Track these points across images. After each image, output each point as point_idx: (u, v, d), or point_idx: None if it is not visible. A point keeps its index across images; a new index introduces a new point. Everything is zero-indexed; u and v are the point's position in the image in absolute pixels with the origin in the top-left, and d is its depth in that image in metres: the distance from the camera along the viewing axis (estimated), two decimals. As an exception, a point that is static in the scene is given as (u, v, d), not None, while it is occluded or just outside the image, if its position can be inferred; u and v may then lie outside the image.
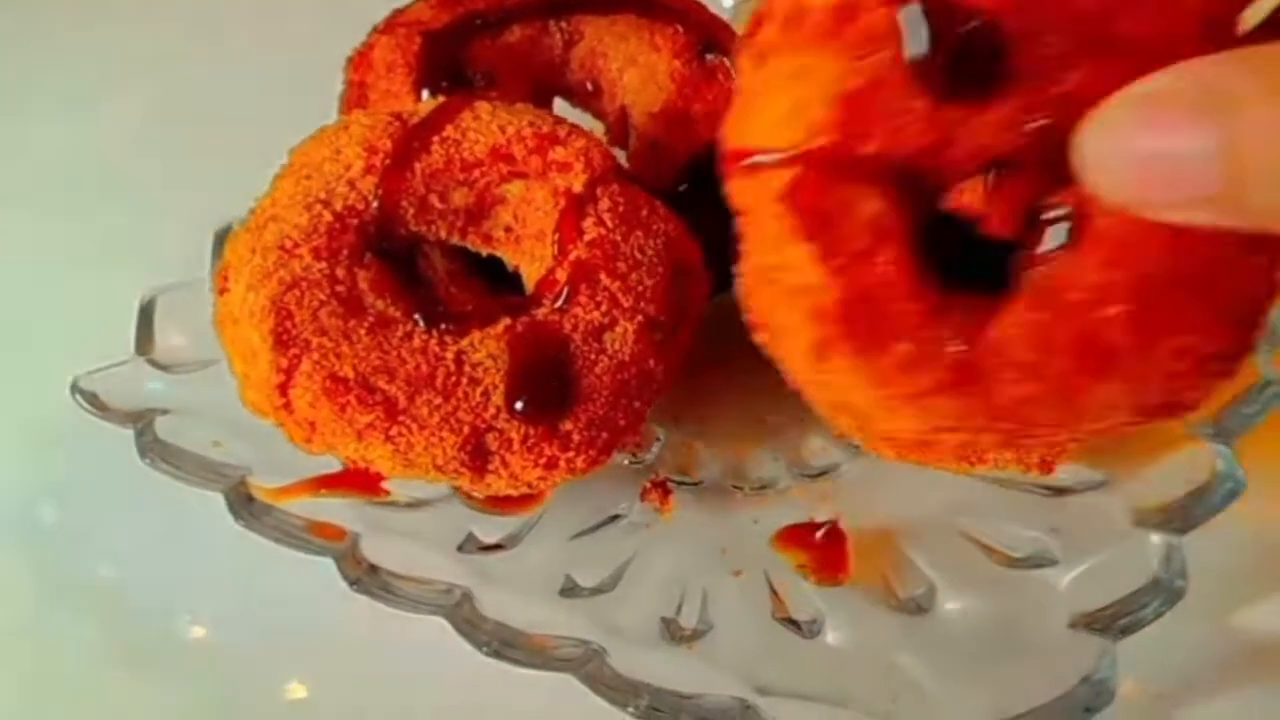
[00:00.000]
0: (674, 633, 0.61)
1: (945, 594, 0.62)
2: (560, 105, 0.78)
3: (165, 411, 0.66)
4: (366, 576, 0.59)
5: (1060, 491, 0.64)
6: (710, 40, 0.75)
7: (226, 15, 1.10)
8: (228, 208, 0.72)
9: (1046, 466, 0.60)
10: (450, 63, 0.72)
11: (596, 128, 0.80)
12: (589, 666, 0.56)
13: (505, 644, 0.57)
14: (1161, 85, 0.38)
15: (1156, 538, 0.58)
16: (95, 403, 0.66)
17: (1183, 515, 0.58)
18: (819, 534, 0.65)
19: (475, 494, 0.64)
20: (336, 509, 0.63)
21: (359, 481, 0.63)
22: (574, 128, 0.64)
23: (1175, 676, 0.62)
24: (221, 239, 0.74)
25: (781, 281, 0.51)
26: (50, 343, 0.83)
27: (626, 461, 0.70)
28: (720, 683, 0.58)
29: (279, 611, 0.69)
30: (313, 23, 0.93)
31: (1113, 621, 0.55)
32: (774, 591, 0.63)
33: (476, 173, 0.61)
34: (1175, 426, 0.62)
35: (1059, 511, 0.64)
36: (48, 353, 0.79)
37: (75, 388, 0.66)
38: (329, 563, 0.60)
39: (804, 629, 0.61)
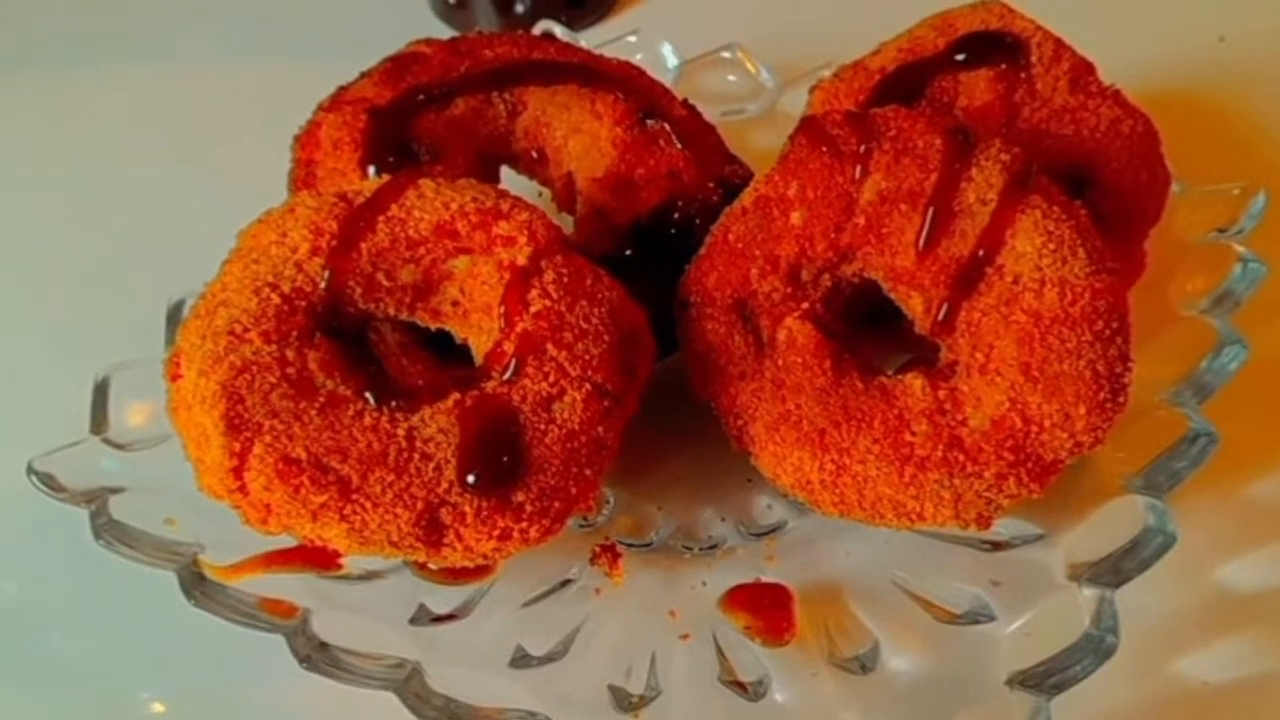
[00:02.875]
0: (622, 700, 0.62)
1: (888, 651, 0.63)
2: (508, 174, 0.80)
3: (120, 490, 0.66)
4: (316, 653, 0.60)
5: (999, 546, 0.66)
6: (651, 106, 0.77)
7: (179, 97, 1.12)
8: (182, 283, 0.73)
9: (984, 521, 0.61)
10: (396, 138, 0.74)
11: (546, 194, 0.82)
12: (536, 738, 0.57)
13: (453, 717, 0.58)
14: None
15: (1089, 592, 0.59)
16: (51, 484, 0.66)
17: (1114, 569, 0.60)
18: (766, 599, 0.67)
19: (430, 566, 0.65)
20: (288, 584, 0.64)
21: (312, 556, 0.64)
22: (517, 201, 0.65)
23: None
24: (174, 314, 0.75)
25: None
26: (7, 422, 0.83)
27: (577, 525, 0.71)
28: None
29: (238, 686, 0.69)
30: (262, 101, 0.94)
31: (1045, 679, 0.56)
32: (721, 653, 0.64)
33: (422, 250, 0.63)
34: (1110, 480, 0.64)
35: (999, 566, 0.65)
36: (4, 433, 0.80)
37: (31, 469, 0.66)
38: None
39: (750, 690, 0.62)
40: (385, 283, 0.62)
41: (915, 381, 0.61)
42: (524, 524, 0.59)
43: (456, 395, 0.60)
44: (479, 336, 0.64)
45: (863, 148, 0.65)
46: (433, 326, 0.65)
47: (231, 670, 0.69)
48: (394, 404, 0.59)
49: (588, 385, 0.61)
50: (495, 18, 1.12)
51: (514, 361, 0.60)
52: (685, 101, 0.81)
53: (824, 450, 0.62)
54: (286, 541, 0.62)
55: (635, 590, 0.69)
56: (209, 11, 1.21)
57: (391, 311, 0.63)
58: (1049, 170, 0.65)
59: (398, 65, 0.78)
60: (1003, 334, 0.60)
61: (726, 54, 0.97)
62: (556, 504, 0.60)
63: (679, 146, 0.75)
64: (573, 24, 1.03)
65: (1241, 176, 0.78)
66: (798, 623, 0.65)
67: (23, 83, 1.14)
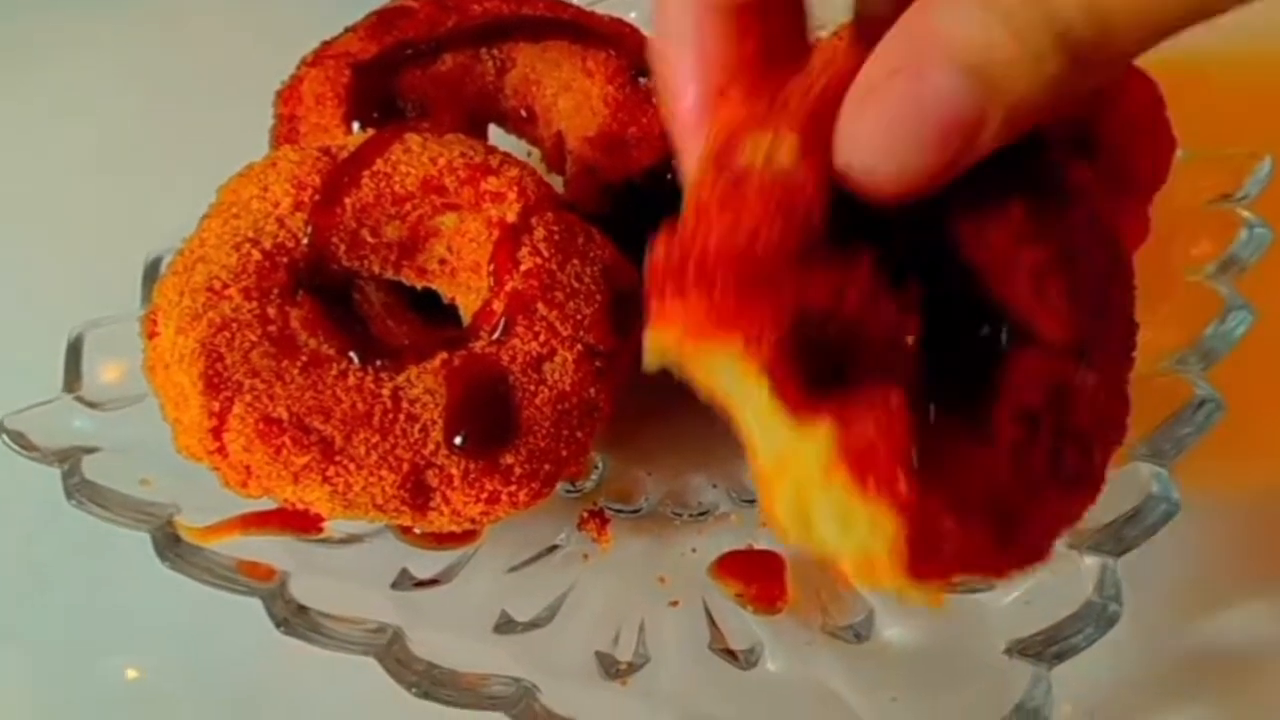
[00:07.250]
0: (609, 667, 0.60)
1: (884, 620, 0.61)
2: (496, 133, 0.78)
3: (94, 450, 0.64)
4: (295, 617, 0.58)
5: (999, 511, 0.65)
6: (642, 64, 0.75)
7: (158, 50, 1.09)
8: (159, 240, 0.71)
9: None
10: (381, 94, 0.72)
11: (534, 154, 0.80)
12: (520, 705, 0.55)
13: (435, 683, 0.56)
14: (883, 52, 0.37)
15: (1091, 560, 0.58)
16: (23, 442, 0.64)
17: (1117, 538, 0.58)
18: (758, 566, 0.65)
19: (415, 530, 0.63)
20: (266, 547, 0.62)
21: (292, 519, 0.62)
22: (506, 157, 0.64)
23: (1110, 695, 0.63)
24: (151, 270, 0.73)
25: None
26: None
27: (565, 491, 0.69)
28: (656, 717, 0.58)
29: (214, 651, 0.67)
30: (243, 55, 0.92)
31: (1046, 648, 0.55)
32: (712, 621, 0.63)
33: (408, 206, 0.61)
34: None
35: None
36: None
37: (1, 428, 0.64)
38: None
39: (741, 659, 0.60)
40: (370, 239, 0.61)
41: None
42: (513, 487, 0.57)
43: (444, 355, 0.58)
44: (467, 295, 0.62)
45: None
46: (419, 285, 0.63)
47: (207, 635, 0.67)
48: (379, 364, 0.57)
49: (579, 345, 0.59)
50: (484, -25, 1.09)
51: (503, 321, 0.59)
52: (679, 60, 0.79)
53: (818, 414, 0.60)
54: (266, 504, 0.60)
55: (623, 556, 0.67)
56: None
57: (376, 269, 0.62)
58: (1053, 133, 0.64)
59: (383, 20, 0.76)
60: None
61: (721, 13, 0.95)
62: (546, 467, 0.58)
63: (672, 105, 0.73)
64: (564, -19, 1.01)
65: (1247, 142, 0.77)
66: (790, 591, 0.64)
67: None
